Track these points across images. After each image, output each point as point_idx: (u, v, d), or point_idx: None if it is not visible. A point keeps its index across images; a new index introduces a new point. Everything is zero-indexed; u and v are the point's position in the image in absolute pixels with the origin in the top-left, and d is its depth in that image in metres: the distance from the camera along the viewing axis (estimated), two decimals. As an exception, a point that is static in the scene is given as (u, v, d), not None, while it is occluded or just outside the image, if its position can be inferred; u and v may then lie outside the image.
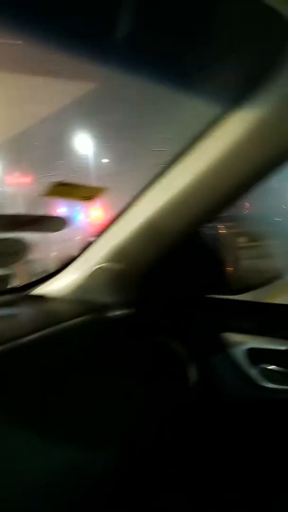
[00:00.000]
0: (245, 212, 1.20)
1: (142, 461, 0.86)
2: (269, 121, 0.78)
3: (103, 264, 1.08)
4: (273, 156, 0.82)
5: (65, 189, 0.92)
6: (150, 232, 0.99)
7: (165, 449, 0.92)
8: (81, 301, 1.15)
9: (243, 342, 1.04)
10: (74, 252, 1.17)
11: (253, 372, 1.03)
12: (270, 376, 1.02)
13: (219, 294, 1.12)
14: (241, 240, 1.18)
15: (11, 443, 0.67)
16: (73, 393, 0.83)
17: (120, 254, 1.05)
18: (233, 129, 0.81)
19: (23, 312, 1.09)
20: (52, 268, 1.22)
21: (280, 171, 0.87)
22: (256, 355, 1.03)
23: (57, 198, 0.93)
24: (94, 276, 1.11)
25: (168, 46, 0.73)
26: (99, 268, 1.09)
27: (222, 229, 1.16)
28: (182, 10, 0.68)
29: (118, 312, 1.07)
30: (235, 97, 0.80)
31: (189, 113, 0.84)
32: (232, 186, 0.88)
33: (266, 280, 1.14)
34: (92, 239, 1.12)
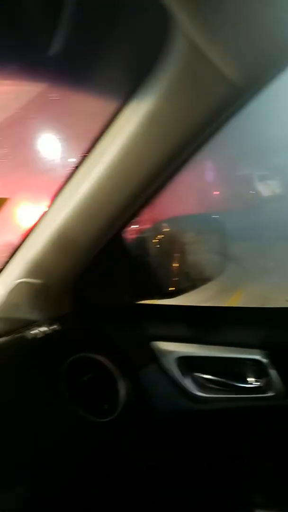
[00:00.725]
0: (176, 211, 1.14)
1: (59, 498, 0.79)
2: (159, 115, 0.72)
3: (22, 280, 1.01)
4: (171, 148, 0.76)
5: None
6: (63, 242, 0.93)
7: (90, 477, 0.85)
8: (4, 319, 1.09)
9: (174, 351, 0.98)
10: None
11: (186, 382, 0.97)
12: (203, 385, 0.97)
13: (148, 299, 1.06)
14: (173, 241, 1.12)
15: None
16: None
17: (38, 268, 0.99)
18: (127, 126, 0.76)
19: None
20: None
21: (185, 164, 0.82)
22: (187, 364, 0.97)
23: None
24: (15, 292, 1.04)
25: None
26: (19, 283, 1.02)
27: (150, 230, 1.10)
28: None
29: (41, 329, 1.00)
30: (124, 94, 0.75)
31: (81, 113, 0.78)
32: (137, 183, 0.83)
33: (198, 282, 1.08)
34: (12, 252, 1.05)
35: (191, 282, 1.06)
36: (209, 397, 0.95)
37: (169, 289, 1.05)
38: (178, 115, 0.72)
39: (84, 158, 0.84)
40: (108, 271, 1.04)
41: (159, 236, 1.08)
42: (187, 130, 0.74)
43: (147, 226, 1.07)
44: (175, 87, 0.69)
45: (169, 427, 1.01)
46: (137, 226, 1.04)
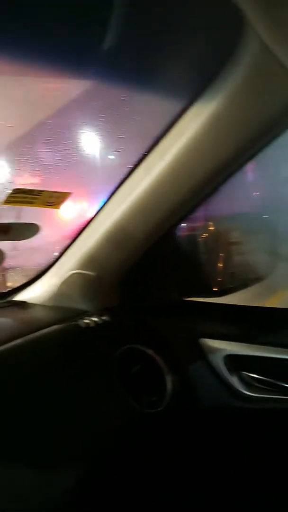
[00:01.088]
0: (228, 210, 1.14)
1: (108, 479, 0.82)
2: (225, 116, 0.73)
3: (75, 271, 1.06)
4: (233, 149, 0.77)
5: (25, 196, 0.89)
6: (119, 236, 0.96)
7: (137, 464, 0.88)
8: (57, 307, 1.13)
9: (222, 349, 0.98)
10: (50, 258, 1.15)
11: (232, 380, 0.98)
12: (250, 384, 0.97)
13: (197, 296, 1.07)
14: (224, 239, 1.12)
15: None
16: (45, 406, 0.81)
17: (92, 260, 1.02)
18: (191, 126, 0.77)
19: (2, 319, 1.08)
20: (29, 275, 1.21)
21: (244, 165, 0.83)
22: (235, 362, 0.98)
23: (19, 205, 0.90)
24: (69, 283, 1.08)
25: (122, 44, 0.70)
26: (73, 274, 1.07)
27: (202, 228, 1.11)
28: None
29: (93, 319, 1.04)
30: (190, 95, 0.76)
31: (146, 112, 0.80)
32: (195, 184, 0.84)
33: (249, 281, 1.08)
34: (67, 244, 1.09)
35: (241, 281, 1.06)
36: (256, 397, 0.96)
37: (219, 287, 1.06)
38: (244, 116, 0.73)
39: (145, 156, 0.87)
40: (159, 266, 1.06)
41: (211, 234, 1.09)
42: (252, 132, 0.74)
43: (199, 223, 1.08)
44: (243, 88, 0.70)
45: (213, 424, 1.02)
46: (189, 223, 1.05)
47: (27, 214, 1.02)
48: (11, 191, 0.87)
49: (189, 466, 0.99)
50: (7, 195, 0.87)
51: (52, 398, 0.82)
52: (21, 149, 0.81)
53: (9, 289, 1.25)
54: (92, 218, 1.00)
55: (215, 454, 1.02)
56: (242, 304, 1.07)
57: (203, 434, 1.02)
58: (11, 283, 1.25)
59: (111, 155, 0.90)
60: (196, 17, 0.68)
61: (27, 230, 1.02)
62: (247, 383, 0.98)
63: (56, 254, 1.14)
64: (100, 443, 0.85)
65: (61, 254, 1.12)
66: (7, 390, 0.77)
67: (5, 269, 1.23)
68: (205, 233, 1.09)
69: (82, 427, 0.83)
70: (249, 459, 0.99)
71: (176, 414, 0.98)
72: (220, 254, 1.08)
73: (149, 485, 0.90)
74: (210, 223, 1.09)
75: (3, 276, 1.30)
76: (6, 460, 0.69)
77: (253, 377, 0.97)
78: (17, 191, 0.88)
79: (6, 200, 0.88)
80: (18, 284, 1.24)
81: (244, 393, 0.97)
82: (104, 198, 0.97)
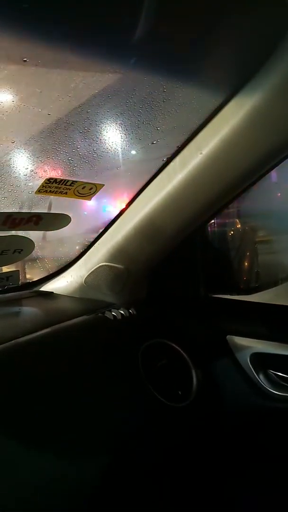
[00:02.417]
0: (258, 207, 1.13)
1: (133, 471, 0.83)
2: (265, 111, 0.72)
3: (104, 263, 1.06)
4: (271, 145, 0.76)
5: (58, 186, 0.89)
6: (149, 230, 0.96)
7: (161, 458, 0.88)
8: (84, 299, 1.14)
9: (249, 347, 0.98)
10: (79, 249, 1.16)
11: (258, 378, 0.97)
12: (276, 383, 0.96)
13: (225, 294, 1.06)
14: (254, 237, 1.11)
15: None
16: (72, 395, 0.81)
17: (121, 253, 1.03)
18: (229, 120, 0.76)
19: (30, 309, 1.09)
20: (58, 265, 1.22)
21: (283, 161, 0.81)
22: (262, 361, 0.97)
23: (50, 195, 0.91)
24: (96, 275, 1.09)
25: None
26: (101, 266, 1.07)
27: (231, 225, 1.10)
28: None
29: (120, 312, 1.04)
30: (231, 87, 0.75)
31: (185, 105, 0.79)
32: (232, 178, 0.83)
33: (277, 280, 1.07)
34: (96, 236, 1.10)
35: (270, 279, 1.05)
36: (282, 395, 0.95)
37: (247, 285, 1.05)
38: (284, 112, 0.71)
39: (180, 149, 0.86)
40: (188, 262, 1.06)
41: (241, 231, 1.08)
42: None
43: (230, 220, 1.07)
44: (285, 83, 0.69)
45: (237, 421, 1.01)
46: (220, 219, 1.04)
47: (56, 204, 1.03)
48: (44, 181, 0.87)
49: (212, 462, 0.99)
50: (41, 184, 0.88)
51: (79, 387, 0.83)
52: (58, 137, 0.81)
53: (35, 279, 1.27)
54: (123, 211, 1.01)
55: (238, 451, 1.01)
56: (269, 303, 1.06)
57: (227, 431, 1.01)
58: (38, 274, 1.26)
59: (146, 147, 0.89)
60: (241, 10, 0.67)
61: (59, 220, 1.03)
62: (273, 382, 0.97)
63: (84, 246, 1.15)
64: (124, 434, 0.85)
65: (89, 246, 1.12)
66: (36, 377, 0.78)
67: (33, 259, 1.24)
68: (235, 230, 1.08)
69: (107, 417, 0.83)
70: (273, 458, 0.98)
71: (201, 410, 0.97)
72: (249, 252, 1.07)
73: (171, 479, 0.89)
74: (241, 219, 1.08)
75: (31, 266, 1.31)
76: (36, 448, 0.70)
77: (279, 375, 0.96)
78: (51, 180, 0.88)
79: (40, 189, 0.89)
80: (44, 275, 1.25)
81: (270, 392, 0.96)
82: (136, 191, 0.97)
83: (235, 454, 1.01)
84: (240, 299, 1.05)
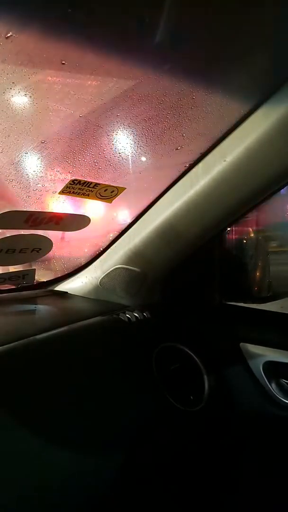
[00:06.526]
0: (278, 217, 1.14)
1: (144, 471, 0.83)
2: None
3: (120, 266, 1.07)
4: None
5: (81, 188, 0.91)
6: (168, 235, 0.97)
7: (170, 459, 0.89)
8: (98, 300, 1.15)
9: (262, 355, 0.98)
10: (96, 250, 1.17)
11: (271, 387, 0.97)
12: (288, 392, 0.96)
13: (240, 301, 1.07)
14: (268, 246, 1.12)
15: (12, 444, 0.66)
16: (86, 394, 0.82)
17: (137, 256, 1.04)
18: (255, 129, 0.77)
19: (45, 308, 1.10)
20: (74, 265, 1.23)
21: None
22: (275, 369, 0.97)
23: (73, 196, 0.93)
24: (112, 277, 1.10)
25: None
26: (117, 269, 1.08)
27: (247, 234, 1.11)
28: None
29: (134, 314, 1.05)
30: (260, 96, 0.76)
31: (212, 112, 0.81)
32: (255, 187, 0.84)
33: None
34: (112, 239, 1.11)
35: (284, 289, 1.06)
36: (294, 406, 0.95)
37: (262, 294, 1.05)
38: None
39: (203, 155, 0.87)
40: (204, 268, 1.06)
41: (258, 240, 1.09)
42: None
43: (249, 228, 1.08)
44: None
45: (248, 428, 1.01)
46: (238, 227, 1.05)
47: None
48: (69, 181, 0.89)
49: (220, 468, 0.99)
50: (66, 185, 0.89)
51: (93, 386, 0.83)
52: (86, 139, 0.83)
53: (50, 279, 1.28)
54: (141, 214, 1.02)
55: (246, 459, 1.01)
56: (284, 312, 1.06)
57: (237, 438, 1.01)
58: (53, 273, 1.28)
59: (170, 152, 0.91)
60: (272, 17, 0.68)
61: (78, 221, 1.05)
62: (286, 391, 0.97)
63: (101, 248, 1.16)
64: (135, 435, 0.85)
65: (106, 248, 1.14)
66: (52, 375, 0.78)
67: (50, 259, 1.25)
68: (251, 239, 1.09)
69: (120, 416, 0.84)
70: (283, 467, 0.98)
71: (212, 416, 0.97)
72: (264, 262, 1.08)
73: (181, 481, 0.90)
74: (259, 228, 1.09)
75: (47, 265, 1.32)
76: (53, 443, 0.71)
77: (292, 385, 0.96)
78: (75, 182, 0.90)
79: (64, 189, 0.90)
80: (60, 275, 1.26)
81: (282, 401, 0.96)
82: (156, 195, 0.99)
83: (243, 462, 1.01)
84: (255, 307, 1.06)
